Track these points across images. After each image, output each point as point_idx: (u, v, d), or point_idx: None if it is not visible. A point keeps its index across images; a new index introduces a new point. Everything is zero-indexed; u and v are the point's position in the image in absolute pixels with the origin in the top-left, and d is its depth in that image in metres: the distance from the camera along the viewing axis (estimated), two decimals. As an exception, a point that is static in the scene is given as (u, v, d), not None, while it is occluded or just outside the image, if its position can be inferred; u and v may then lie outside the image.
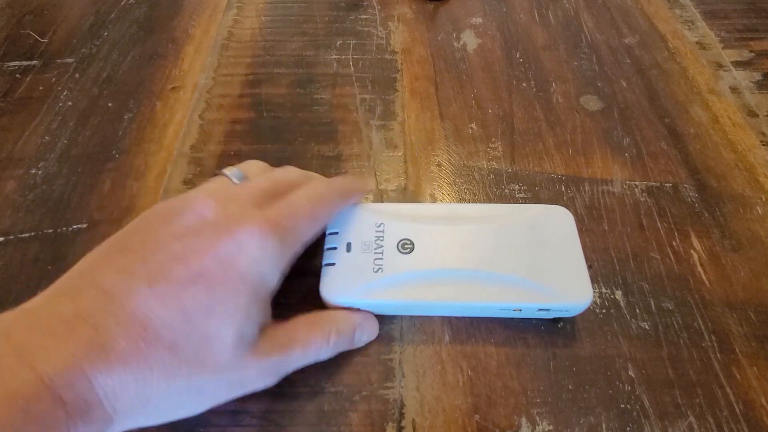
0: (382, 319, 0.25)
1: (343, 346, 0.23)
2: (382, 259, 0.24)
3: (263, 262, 0.19)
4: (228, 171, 0.24)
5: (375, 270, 0.24)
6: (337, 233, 0.25)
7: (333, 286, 0.24)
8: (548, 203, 0.29)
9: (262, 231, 0.19)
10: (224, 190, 0.22)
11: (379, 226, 0.25)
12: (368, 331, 0.24)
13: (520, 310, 0.24)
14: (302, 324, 0.22)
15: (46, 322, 0.17)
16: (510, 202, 0.30)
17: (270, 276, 0.20)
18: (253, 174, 0.24)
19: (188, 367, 0.18)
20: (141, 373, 0.17)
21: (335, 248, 0.24)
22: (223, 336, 0.18)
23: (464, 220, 0.25)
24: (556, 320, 0.25)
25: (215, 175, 0.24)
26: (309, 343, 0.22)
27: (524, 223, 0.25)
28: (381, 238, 0.25)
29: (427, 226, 0.25)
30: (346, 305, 0.24)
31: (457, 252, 0.24)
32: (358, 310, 0.24)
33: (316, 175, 0.27)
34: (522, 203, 0.30)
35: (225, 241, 0.19)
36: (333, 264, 0.24)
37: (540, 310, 0.24)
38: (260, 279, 0.19)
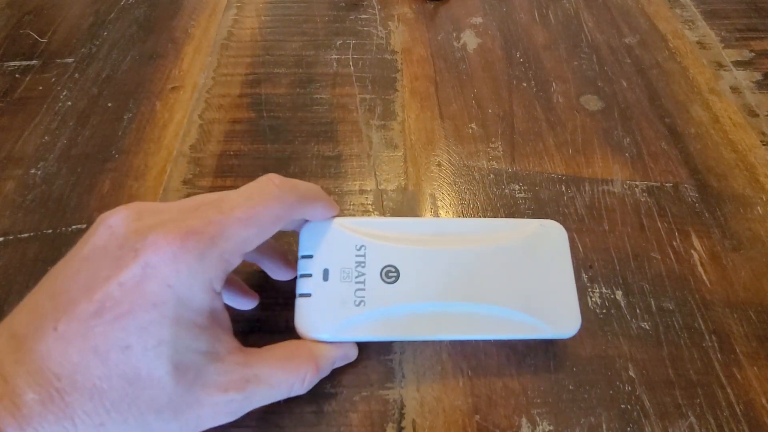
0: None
1: (317, 381, 0.21)
2: (364, 290, 0.22)
3: (177, 282, 0.16)
4: None
5: (356, 303, 0.21)
6: (311, 257, 0.22)
7: (310, 320, 0.21)
8: (549, 203, 0.29)
9: (172, 245, 0.16)
10: (152, 202, 0.19)
11: (359, 249, 0.22)
12: (348, 359, 0.23)
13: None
14: (275, 358, 0.20)
15: None
16: (510, 202, 0.30)
17: (193, 297, 0.17)
18: None
19: (120, 414, 0.16)
20: (63, 426, 0.15)
21: (310, 276, 0.22)
22: (154, 373, 0.16)
23: (452, 240, 0.23)
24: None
25: None
26: (279, 382, 0.19)
27: (516, 245, 0.23)
28: (362, 264, 0.22)
29: (413, 249, 0.23)
30: (324, 341, 0.22)
31: (445, 282, 0.22)
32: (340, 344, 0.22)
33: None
34: (518, 216, 0.29)
35: (128, 263, 0.16)
36: (308, 295, 0.22)
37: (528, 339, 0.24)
38: (180, 302, 0.16)
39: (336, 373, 0.23)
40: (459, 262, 0.23)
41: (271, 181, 0.19)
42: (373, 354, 0.24)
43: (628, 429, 0.22)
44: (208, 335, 0.18)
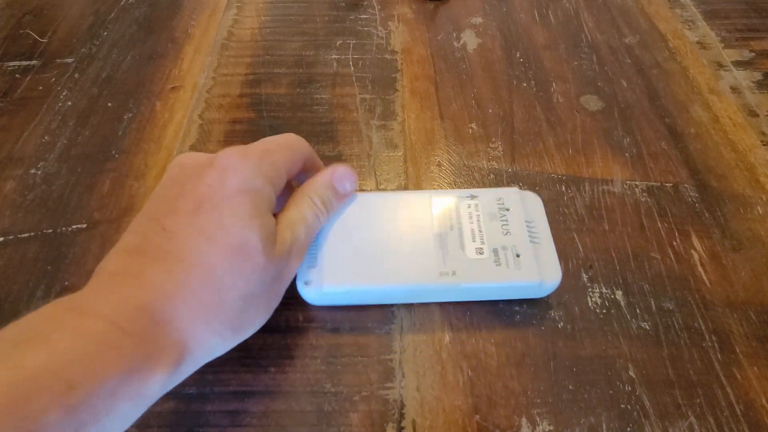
0: (382, 320, 0.25)
1: (335, 204, 0.25)
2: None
3: (249, 175, 0.21)
4: None
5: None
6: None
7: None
8: (549, 203, 0.29)
9: (238, 154, 0.21)
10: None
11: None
12: (347, 179, 0.25)
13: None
14: (288, 212, 0.23)
15: (104, 287, 0.19)
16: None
17: (261, 186, 0.21)
18: None
19: (232, 279, 0.19)
20: (193, 303, 0.18)
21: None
22: (250, 243, 0.20)
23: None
24: (555, 320, 0.25)
25: None
26: (306, 219, 0.23)
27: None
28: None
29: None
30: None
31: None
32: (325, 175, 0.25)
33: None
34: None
35: (208, 171, 0.21)
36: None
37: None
38: (254, 189, 0.21)
39: (336, 373, 0.23)
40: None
41: (293, 135, 0.25)
42: (373, 354, 0.24)
43: (628, 429, 0.22)
44: (274, 221, 0.22)
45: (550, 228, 0.26)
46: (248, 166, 0.21)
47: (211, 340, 0.19)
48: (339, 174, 0.25)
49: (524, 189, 0.28)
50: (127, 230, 0.21)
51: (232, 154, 0.21)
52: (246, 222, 0.20)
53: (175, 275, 0.19)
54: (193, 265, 0.19)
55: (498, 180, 0.31)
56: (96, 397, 0.15)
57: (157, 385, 0.17)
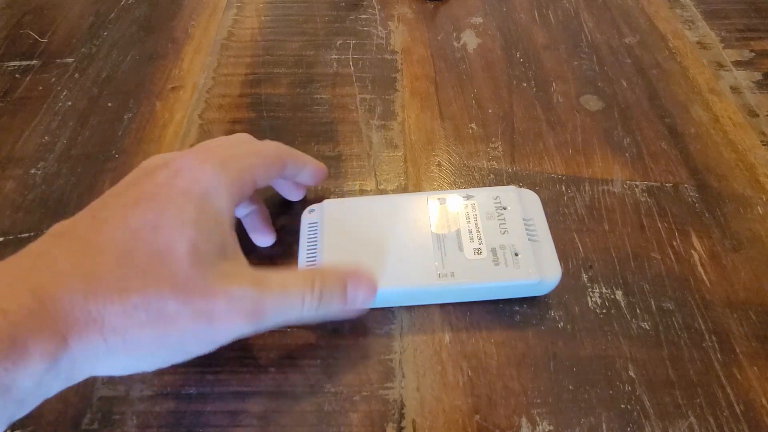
0: (382, 320, 0.25)
1: (335, 305, 0.21)
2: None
3: (203, 178, 0.20)
4: None
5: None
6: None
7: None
8: (549, 203, 0.29)
9: (199, 158, 0.20)
10: None
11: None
12: (364, 288, 0.22)
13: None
14: (281, 271, 0.21)
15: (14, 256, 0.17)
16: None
17: (215, 194, 0.20)
18: None
19: (143, 281, 0.17)
20: (87, 285, 0.16)
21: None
22: (175, 249, 0.18)
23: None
24: (555, 320, 0.25)
25: None
26: (289, 286, 0.20)
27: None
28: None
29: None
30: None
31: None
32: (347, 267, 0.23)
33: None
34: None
35: (161, 170, 0.20)
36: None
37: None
38: (203, 196, 0.19)
39: (336, 373, 0.23)
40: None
41: (272, 141, 0.24)
42: (373, 354, 0.24)
43: (628, 429, 0.22)
44: (224, 233, 0.20)
45: (550, 227, 0.26)
46: (204, 170, 0.20)
47: (98, 341, 0.16)
48: (356, 280, 0.22)
49: (522, 187, 0.28)
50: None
51: (191, 156, 0.20)
52: (179, 227, 0.18)
53: (78, 258, 0.17)
54: (102, 251, 0.17)
55: (498, 180, 0.31)
56: None
57: (27, 377, 0.15)
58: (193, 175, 0.19)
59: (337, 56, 0.38)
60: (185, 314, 0.17)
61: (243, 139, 0.24)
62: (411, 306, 0.26)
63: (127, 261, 0.17)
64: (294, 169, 0.25)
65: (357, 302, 0.22)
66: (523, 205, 0.26)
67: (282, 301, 0.20)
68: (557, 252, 0.25)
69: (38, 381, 0.15)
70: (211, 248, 0.19)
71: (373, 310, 0.25)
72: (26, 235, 0.28)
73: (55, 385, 0.16)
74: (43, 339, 0.15)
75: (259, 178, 0.22)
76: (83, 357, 0.16)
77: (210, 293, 0.18)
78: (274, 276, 0.20)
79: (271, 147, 0.24)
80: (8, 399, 0.15)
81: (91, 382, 0.23)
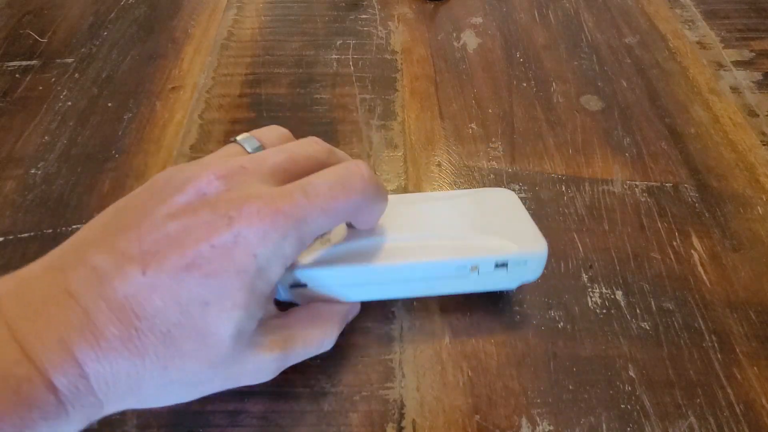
0: (382, 320, 0.25)
1: (327, 347, 0.22)
2: (329, 233, 0.22)
3: (263, 255, 0.17)
4: (242, 138, 0.21)
5: (323, 242, 0.22)
6: None
7: None
8: (549, 203, 0.29)
9: (265, 221, 0.17)
10: (233, 163, 0.19)
11: None
12: (354, 312, 0.24)
13: (477, 268, 0.22)
14: (305, 319, 0.21)
15: (38, 296, 0.16)
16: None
17: (271, 270, 0.18)
18: (270, 142, 0.22)
19: (182, 359, 0.17)
20: (133, 362, 0.16)
21: None
22: (221, 332, 0.17)
23: (414, 202, 0.25)
24: (555, 320, 0.25)
25: (229, 141, 0.22)
26: (311, 340, 0.21)
27: (469, 198, 0.25)
28: None
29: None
30: (297, 274, 0.22)
31: (407, 225, 0.23)
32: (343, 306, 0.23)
33: (343, 153, 0.23)
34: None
35: (221, 228, 0.17)
36: None
37: (497, 265, 0.22)
38: (259, 274, 0.17)
39: (336, 373, 0.23)
40: (423, 211, 0.24)
41: (359, 172, 0.19)
42: (373, 354, 0.24)
43: (628, 429, 0.22)
44: (266, 304, 0.19)
45: (550, 227, 0.26)
46: (267, 241, 0.17)
47: (130, 404, 0.18)
48: (353, 310, 0.24)
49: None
50: (109, 220, 0.18)
51: (256, 221, 0.17)
52: (228, 310, 0.17)
53: (125, 336, 0.16)
54: (149, 329, 0.16)
55: (498, 180, 0.31)
56: None
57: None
58: (253, 248, 0.17)
59: (337, 56, 0.38)
60: (217, 379, 0.19)
61: (315, 180, 0.19)
62: (411, 306, 0.26)
63: (172, 341, 0.17)
64: (371, 210, 0.22)
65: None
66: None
67: (303, 353, 0.21)
68: (558, 252, 0.25)
69: (77, 429, 0.16)
70: (252, 326, 0.18)
71: (373, 309, 0.25)
72: (26, 235, 0.28)
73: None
74: (86, 407, 0.16)
75: (321, 232, 0.20)
76: (116, 408, 0.17)
77: (242, 362, 0.18)
78: (299, 327, 0.21)
79: (354, 194, 0.19)
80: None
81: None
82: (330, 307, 0.22)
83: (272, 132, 0.23)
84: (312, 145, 0.21)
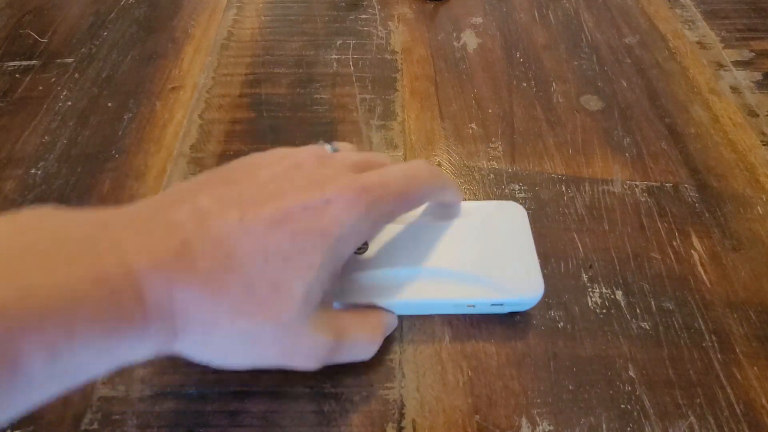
0: (382, 320, 0.25)
1: (369, 355, 0.23)
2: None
3: (346, 225, 0.19)
4: (321, 143, 0.24)
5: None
6: None
7: None
8: (549, 203, 0.29)
9: (352, 194, 0.19)
10: (323, 151, 0.22)
11: None
12: (393, 325, 0.24)
13: (474, 306, 0.24)
14: (354, 321, 0.22)
15: (144, 221, 0.17)
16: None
17: (348, 242, 0.19)
18: (344, 149, 0.24)
19: (255, 308, 0.18)
20: (213, 301, 0.17)
21: None
22: (293, 288, 0.18)
23: (417, 217, 0.25)
24: (555, 320, 0.25)
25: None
26: (360, 341, 0.22)
27: (477, 220, 0.25)
28: None
29: None
30: None
31: (410, 251, 0.24)
32: (385, 314, 0.23)
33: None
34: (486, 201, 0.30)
35: (315, 193, 0.19)
36: None
37: (493, 305, 0.24)
38: (338, 242, 0.19)
39: (336, 373, 0.23)
40: (424, 234, 0.24)
41: (424, 166, 0.22)
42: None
43: (628, 429, 0.22)
44: (332, 279, 0.20)
45: (551, 227, 0.26)
46: (351, 214, 0.19)
47: (201, 342, 0.18)
48: (392, 323, 0.24)
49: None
50: (212, 177, 0.20)
51: (345, 192, 0.19)
52: (304, 269, 0.18)
53: (215, 270, 0.17)
54: (236, 268, 0.17)
55: (498, 180, 0.31)
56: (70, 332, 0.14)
57: (143, 351, 0.17)
58: (339, 215, 0.19)
59: (337, 56, 0.38)
60: (276, 346, 0.19)
61: (387, 171, 0.21)
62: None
63: (251, 287, 0.18)
64: (438, 198, 0.24)
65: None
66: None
67: (349, 351, 0.21)
68: (557, 253, 0.25)
69: (140, 358, 0.17)
70: (318, 297, 0.19)
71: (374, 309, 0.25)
72: (26, 235, 0.28)
73: (145, 358, 0.18)
74: (163, 332, 0.17)
75: (392, 219, 0.22)
76: (183, 347, 0.18)
77: (301, 336, 0.19)
78: (349, 329, 0.21)
79: (423, 180, 0.22)
80: (110, 367, 0.16)
81: (91, 382, 0.23)
82: (377, 316, 0.23)
83: (344, 144, 0.25)
84: (379, 154, 0.24)
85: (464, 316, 0.25)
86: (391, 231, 0.24)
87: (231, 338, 0.18)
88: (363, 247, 0.24)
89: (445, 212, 0.25)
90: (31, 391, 0.14)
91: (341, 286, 0.23)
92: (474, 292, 0.23)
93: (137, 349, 0.17)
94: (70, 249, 0.15)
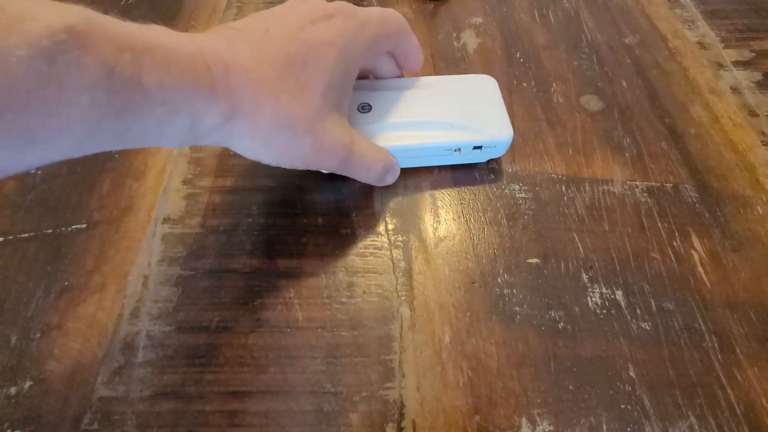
0: (382, 320, 0.25)
1: (378, 180, 0.28)
2: (370, 105, 0.29)
3: (347, 33, 0.24)
4: None
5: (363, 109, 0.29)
6: None
7: None
8: (549, 203, 0.29)
9: (349, 17, 0.25)
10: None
11: None
12: (393, 174, 0.29)
13: (460, 150, 0.29)
14: (363, 140, 0.27)
15: (204, 33, 0.23)
16: (510, 202, 0.30)
17: (352, 50, 0.25)
18: None
19: (289, 98, 0.23)
20: (258, 84, 0.22)
21: None
22: (314, 85, 0.23)
23: (411, 87, 0.31)
24: (555, 320, 0.25)
25: None
26: (366, 157, 0.27)
27: (458, 86, 0.31)
28: None
29: (382, 93, 0.30)
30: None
31: (406, 109, 0.29)
32: (390, 155, 0.28)
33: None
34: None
35: (321, 15, 0.24)
36: None
37: (474, 148, 0.29)
38: (345, 50, 0.24)
39: (336, 373, 0.23)
40: (416, 97, 0.30)
41: (393, 10, 0.29)
42: (373, 353, 0.24)
43: (628, 429, 0.22)
44: (346, 89, 0.26)
45: (550, 227, 0.26)
46: (350, 26, 0.25)
47: (251, 125, 0.22)
48: (395, 168, 0.29)
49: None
50: (248, 17, 0.25)
51: (345, 14, 0.25)
52: (320, 71, 0.23)
53: (255, 59, 0.22)
54: (270, 64, 0.22)
55: (498, 180, 0.31)
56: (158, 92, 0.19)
57: (207, 120, 0.21)
58: (342, 28, 0.24)
59: (337, 56, 0.38)
60: (305, 138, 0.24)
61: (369, 7, 0.28)
62: (411, 305, 0.26)
63: (283, 80, 0.23)
64: (404, 48, 0.30)
65: (383, 182, 0.29)
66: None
67: (359, 165, 0.27)
68: (557, 253, 0.25)
69: (211, 127, 0.21)
70: (335, 98, 0.25)
71: (373, 308, 0.25)
72: (26, 235, 0.28)
73: (213, 138, 0.22)
74: (226, 102, 0.21)
75: (383, 45, 0.28)
76: (237, 131, 0.22)
77: (324, 132, 0.24)
78: (360, 142, 0.26)
79: (391, 16, 0.28)
80: (194, 126, 0.21)
81: (91, 382, 0.23)
82: (381, 148, 0.28)
83: None
84: None
85: (464, 315, 0.25)
86: (389, 96, 0.30)
87: (274, 125, 0.23)
88: (367, 107, 0.29)
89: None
90: (150, 106, 0.19)
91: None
92: (458, 137, 0.29)
93: (210, 113, 0.21)
94: (166, 31, 0.21)
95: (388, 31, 0.27)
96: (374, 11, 0.27)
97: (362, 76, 0.31)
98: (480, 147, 0.29)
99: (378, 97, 0.30)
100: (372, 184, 0.29)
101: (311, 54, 0.23)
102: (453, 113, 0.29)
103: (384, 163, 0.28)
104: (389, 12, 0.28)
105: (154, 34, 0.20)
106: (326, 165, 0.26)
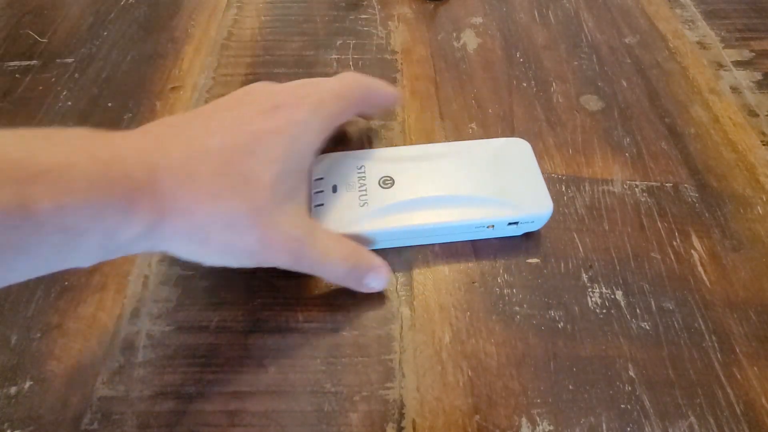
0: (382, 320, 0.25)
1: (352, 282, 0.25)
2: (366, 195, 0.26)
3: (299, 121, 0.23)
4: None
5: (361, 204, 0.26)
6: (322, 179, 0.27)
7: (324, 222, 0.26)
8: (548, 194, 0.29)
9: (299, 101, 0.24)
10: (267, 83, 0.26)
11: (360, 168, 0.28)
12: (379, 282, 0.25)
13: (493, 227, 0.27)
14: (331, 235, 0.24)
15: (130, 133, 0.21)
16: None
17: (303, 138, 0.23)
18: None
19: (230, 193, 0.21)
20: (191, 183, 0.20)
21: (322, 191, 0.27)
22: (261, 178, 0.21)
23: (436, 156, 0.28)
24: (555, 320, 0.25)
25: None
26: (329, 254, 0.23)
27: (488, 153, 0.29)
28: (363, 178, 0.27)
29: (404, 164, 0.28)
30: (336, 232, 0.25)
31: (433, 182, 0.27)
32: (376, 257, 0.25)
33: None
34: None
35: (267, 107, 0.23)
36: (322, 204, 0.26)
37: (510, 224, 0.27)
38: (294, 138, 0.23)
39: (336, 373, 0.23)
40: (444, 168, 0.28)
41: (353, 74, 0.27)
42: (373, 353, 0.24)
43: (628, 429, 0.22)
44: (300, 177, 0.24)
45: (550, 227, 0.26)
46: (300, 113, 0.23)
47: (184, 228, 0.20)
48: (382, 273, 0.25)
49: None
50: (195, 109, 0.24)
51: (290, 94, 0.24)
52: (268, 161, 0.21)
53: (188, 157, 0.20)
54: (207, 159, 0.21)
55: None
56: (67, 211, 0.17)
57: (128, 231, 0.19)
58: (290, 116, 0.23)
59: (337, 56, 0.38)
60: (250, 233, 0.21)
61: (324, 82, 0.26)
62: (411, 305, 0.26)
63: (223, 174, 0.21)
64: (372, 104, 0.29)
65: (368, 288, 0.25)
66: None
67: (318, 262, 0.23)
68: (557, 253, 0.25)
69: (132, 238, 0.19)
70: (286, 188, 0.22)
71: (373, 308, 0.25)
72: (26, 235, 0.28)
73: (139, 247, 0.20)
74: (149, 209, 0.19)
75: (344, 118, 0.26)
76: (169, 235, 0.20)
77: (273, 225, 0.21)
78: (321, 237, 0.23)
79: (348, 86, 0.26)
80: (108, 243, 0.19)
81: (91, 382, 0.23)
82: (357, 245, 0.25)
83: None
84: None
85: (464, 315, 0.25)
86: (413, 168, 0.28)
87: (212, 224, 0.20)
88: (389, 182, 0.27)
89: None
90: (42, 238, 0.17)
91: (373, 216, 0.26)
92: (492, 213, 0.26)
93: (129, 225, 0.19)
94: (74, 140, 0.20)
95: (348, 104, 0.26)
96: (328, 87, 0.25)
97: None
98: (516, 222, 0.27)
99: (401, 169, 0.27)
100: (347, 287, 0.25)
101: (257, 144, 0.21)
102: (485, 186, 0.27)
103: (353, 262, 0.24)
104: (346, 82, 0.26)
105: (57, 149, 0.18)
106: (278, 261, 0.23)
